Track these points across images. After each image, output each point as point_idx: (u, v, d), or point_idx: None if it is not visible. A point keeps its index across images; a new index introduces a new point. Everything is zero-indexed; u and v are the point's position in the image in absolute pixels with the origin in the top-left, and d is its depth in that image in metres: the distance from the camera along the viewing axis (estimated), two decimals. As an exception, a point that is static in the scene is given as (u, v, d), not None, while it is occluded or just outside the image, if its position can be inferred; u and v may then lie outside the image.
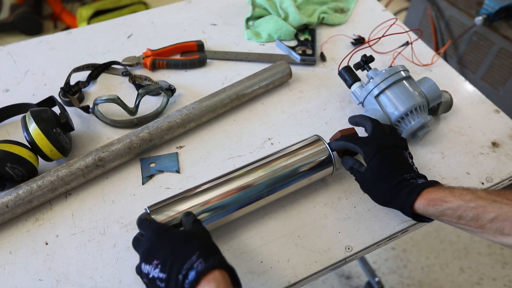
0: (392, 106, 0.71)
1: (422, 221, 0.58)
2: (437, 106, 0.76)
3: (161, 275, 0.46)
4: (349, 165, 0.64)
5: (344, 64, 0.82)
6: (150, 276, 0.47)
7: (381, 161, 0.59)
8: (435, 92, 0.73)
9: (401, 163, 0.60)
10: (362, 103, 0.76)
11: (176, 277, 0.45)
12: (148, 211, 0.57)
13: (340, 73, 0.79)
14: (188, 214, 0.56)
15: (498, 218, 0.49)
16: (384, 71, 0.73)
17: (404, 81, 0.72)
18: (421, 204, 0.54)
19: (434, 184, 0.56)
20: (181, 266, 0.46)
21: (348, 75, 0.78)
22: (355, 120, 0.70)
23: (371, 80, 0.74)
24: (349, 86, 0.78)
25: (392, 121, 0.72)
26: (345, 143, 0.64)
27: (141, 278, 0.50)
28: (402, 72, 0.73)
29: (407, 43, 0.92)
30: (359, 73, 0.79)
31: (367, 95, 0.74)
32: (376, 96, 0.73)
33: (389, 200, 0.58)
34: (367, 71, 0.77)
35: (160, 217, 0.56)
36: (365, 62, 0.77)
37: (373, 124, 0.65)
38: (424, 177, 0.59)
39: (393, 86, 0.72)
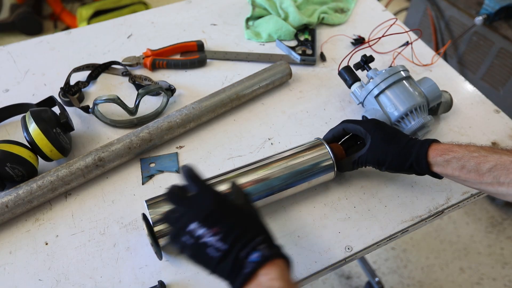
0: (392, 106, 0.71)
1: (433, 175, 0.61)
2: (437, 106, 0.76)
3: (220, 244, 0.44)
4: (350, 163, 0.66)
5: (344, 64, 0.82)
6: (202, 240, 0.45)
7: (383, 129, 0.64)
8: (435, 92, 0.73)
9: (400, 131, 0.65)
10: (362, 103, 0.76)
11: (238, 252, 0.44)
12: (146, 205, 0.57)
13: (340, 73, 0.79)
14: (239, 187, 0.53)
15: (496, 167, 0.53)
16: (384, 71, 0.73)
17: (404, 81, 0.72)
18: (430, 154, 0.59)
19: (438, 141, 0.62)
20: (247, 243, 0.44)
21: (348, 75, 0.78)
22: (330, 135, 0.70)
23: (371, 80, 0.74)
24: (349, 86, 0.78)
25: (392, 121, 0.72)
26: (344, 125, 0.68)
27: (177, 230, 0.46)
28: (402, 72, 0.73)
29: (407, 43, 0.92)
30: (359, 73, 0.79)
31: (367, 95, 0.74)
32: (376, 96, 0.73)
33: (404, 159, 0.61)
34: (367, 71, 0.77)
35: (159, 211, 0.57)
36: (365, 62, 0.77)
37: (350, 123, 0.67)
38: None
39: (393, 86, 0.72)
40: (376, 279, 1.34)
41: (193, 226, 0.45)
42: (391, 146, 0.62)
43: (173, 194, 0.49)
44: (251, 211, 0.49)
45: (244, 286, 0.43)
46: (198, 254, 0.45)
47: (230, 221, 0.46)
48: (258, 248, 0.44)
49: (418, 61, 0.91)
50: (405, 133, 0.64)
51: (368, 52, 0.90)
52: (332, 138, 0.69)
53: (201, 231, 0.45)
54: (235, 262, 0.43)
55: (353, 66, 0.78)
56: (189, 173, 0.50)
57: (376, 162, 0.63)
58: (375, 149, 0.63)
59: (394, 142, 0.62)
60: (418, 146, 0.60)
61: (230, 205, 0.48)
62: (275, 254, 0.44)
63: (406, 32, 0.92)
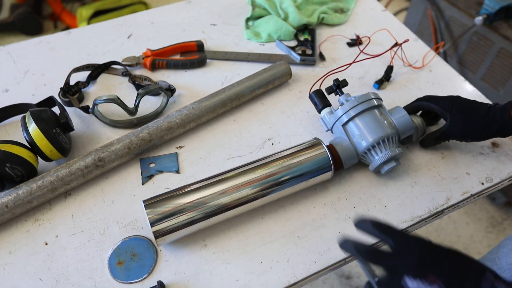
0: (360, 135, 0.66)
1: None
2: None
3: None
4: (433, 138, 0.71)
5: (330, 82, 0.75)
6: None
7: (462, 106, 0.67)
8: (406, 123, 0.68)
9: (479, 102, 0.68)
10: (330, 129, 0.71)
11: None
12: (144, 205, 0.57)
13: (310, 97, 0.74)
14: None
15: None
16: (354, 97, 0.68)
17: (375, 109, 0.67)
18: None
19: None
20: (479, 284, 0.40)
21: (319, 100, 0.72)
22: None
23: (340, 106, 0.69)
24: (319, 111, 0.73)
25: (359, 151, 0.67)
26: (419, 103, 0.72)
27: None
28: (373, 100, 0.67)
29: (395, 45, 0.87)
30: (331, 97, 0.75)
31: (335, 122, 0.68)
32: (344, 124, 0.67)
33: (488, 129, 0.65)
34: (339, 96, 0.72)
35: (157, 211, 0.57)
36: (337, 86, 0.72)
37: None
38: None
39: (362, 114, 0.66)
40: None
41: (407, 281, 0.41)
42: (472, 119, 0.65)
43: (373, 253, 0.45)
44: (454, 249, 0.43)
45: None
46: None
47: (447, 264, 0.41)
48: (496, 285, 0.39)
49: (408, 62, 0.90)
50: (484, 103, 0.67)
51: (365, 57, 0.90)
52: None
53: (415, 285, 0.40)
54: None
55: (325, 90, 0.73)
56: (379, 226, 0.45)
57: (460, 136, 0.68)
58: (457, 125, 0.67)
59: (474, 115, 0.65)
60: (500, 112, 0.63)
61: (439, 246, 0.42)
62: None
63: (397, 44, 0.90)
